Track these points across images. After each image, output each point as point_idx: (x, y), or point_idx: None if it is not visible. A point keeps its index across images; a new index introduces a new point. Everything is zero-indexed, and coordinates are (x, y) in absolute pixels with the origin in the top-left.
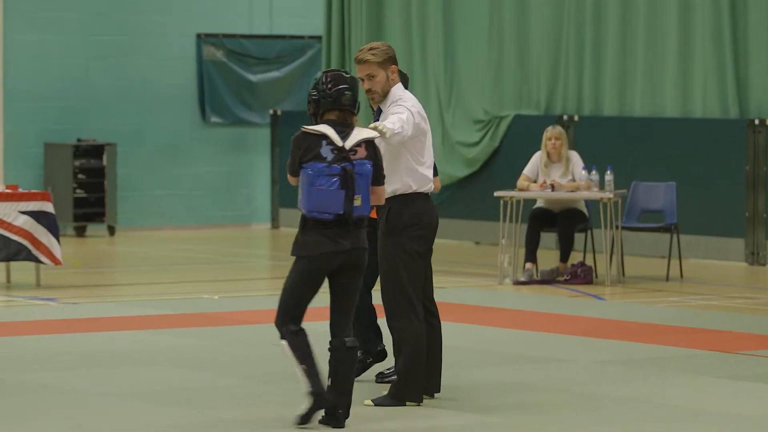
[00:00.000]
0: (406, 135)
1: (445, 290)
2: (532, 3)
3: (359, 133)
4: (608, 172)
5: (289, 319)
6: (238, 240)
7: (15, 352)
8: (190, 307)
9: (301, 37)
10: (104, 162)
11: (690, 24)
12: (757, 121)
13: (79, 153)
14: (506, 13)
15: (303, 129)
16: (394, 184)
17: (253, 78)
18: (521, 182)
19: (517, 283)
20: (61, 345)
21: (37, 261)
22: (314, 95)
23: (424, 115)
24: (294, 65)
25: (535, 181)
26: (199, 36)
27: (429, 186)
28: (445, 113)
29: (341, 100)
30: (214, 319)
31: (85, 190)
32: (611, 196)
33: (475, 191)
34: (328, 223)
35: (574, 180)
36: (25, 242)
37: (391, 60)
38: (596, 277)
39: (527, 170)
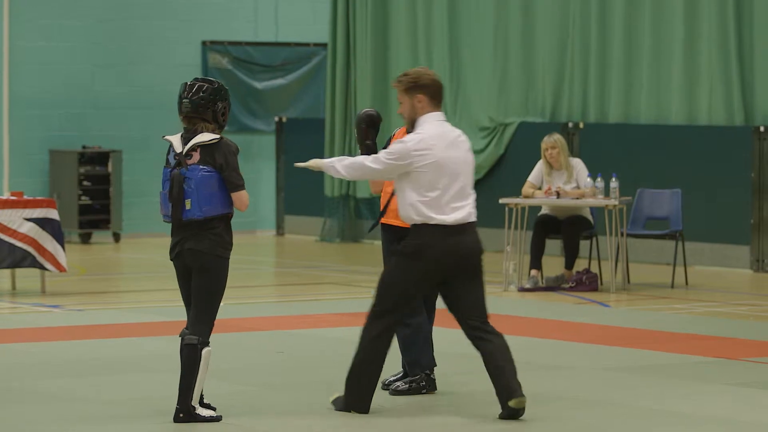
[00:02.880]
0: (348, 177)
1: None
2: (538, 10)
3: (197, 138)
4: (613, 179)
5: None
6: (243, 247)
7: (19, 359)
8: None
9: (307, 45)
10: (109, 169)
11: (695, 31)
12: (762, 129)
13: (85, 160)
14: (511, 21)
15: (164, 138)
16: (401, 213)
17: (259, 85)
18: (526, 189)
19: (522, 290)
20: (65, 352)
21: (42, 268)
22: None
23: (426, 150)
24: (299, 72)
25: (540, 188)
26: (204, 43)
27: (441, 218)
28: (451, 120)
29: (180, 108)
30: (218, 326)
31: (90, 197)
32: (616, 203)
33: (480, 198)
34: (171, 226)
35: (578, 187)
36: (31, 249)
37: (417, 88)
38: (601, 284)
39: (532, 177)
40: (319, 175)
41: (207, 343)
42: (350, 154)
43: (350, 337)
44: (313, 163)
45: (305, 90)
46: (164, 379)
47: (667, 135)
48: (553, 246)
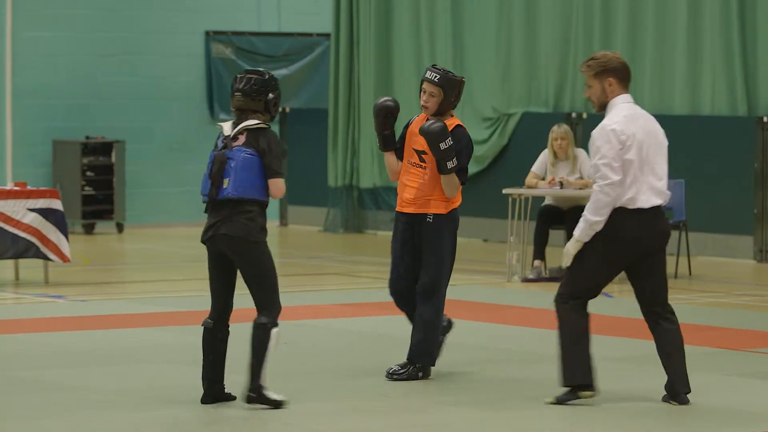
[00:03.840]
0: (604, 217)
1: (454, 288)
2: (541, 0)
3: (244, 123)
4: None
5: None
6: None
7: (23, 349)
8: (199, 305)
9: (310, 35)
10: (113, 159)
11: (699, 21)
12: (765, 119)
13: (88, 150)
14: (515, 11)
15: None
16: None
17: None
18: (530, 179)
19: (526, 280)
20: (69, 342)
21: (46, 258)
22: None
23: (628, 135)
24: (302, 62)
25: (543, 179)
26: (207, 33)
27: (640, 202)
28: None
29: (233, 100)
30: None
31: (94, 187)
32: None
33: (483, 189)
34: (207, 205)
35: (582, 178)
36: (34, 240)
37: (607, 72)
38: None
39: (536, 168)
40: (322, 165)
41: (276, 324)
42: (353, 145)
43: (354, 327)
44: (572, 249)
45: (308, 80)
46: (167, 369)
47: (670, 125)
48: (557, 236)
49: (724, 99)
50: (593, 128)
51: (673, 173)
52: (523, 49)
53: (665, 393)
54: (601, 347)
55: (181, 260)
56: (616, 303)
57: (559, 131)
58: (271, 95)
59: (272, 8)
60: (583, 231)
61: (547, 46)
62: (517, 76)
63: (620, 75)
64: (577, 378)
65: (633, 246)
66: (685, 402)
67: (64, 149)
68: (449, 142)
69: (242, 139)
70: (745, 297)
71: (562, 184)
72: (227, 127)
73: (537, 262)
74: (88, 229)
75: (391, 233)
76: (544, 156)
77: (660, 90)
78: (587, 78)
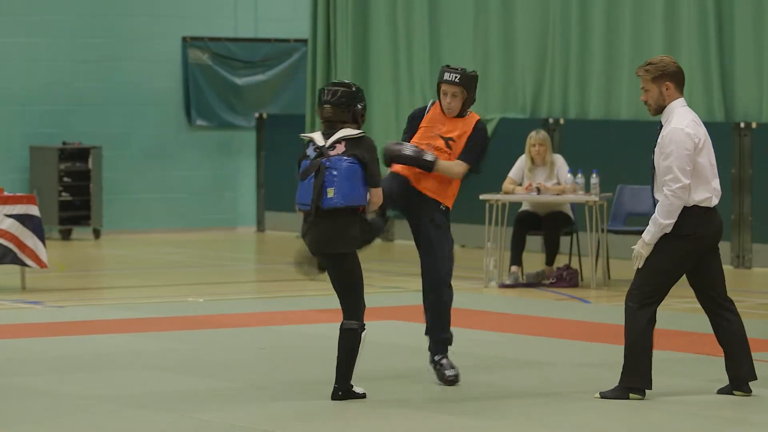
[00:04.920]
0: (673, 220)
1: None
2: (518, 6)
3: (341, 133)
4: (594, 176)
5: None
6: (224, 243)
7: (0, 356)
8: (176, 311)
9: (287, 41)
10: (90, 165)
11: (676, 27)
12: (743, 125)
13: (65, 156)
14: (492, 17)
15: (301, 135)
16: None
17: (239, 81)
18: (507, 185)
19: (503, 286)
20: (46, 348)
21: (23, 264)
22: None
23: (698, 137)
24: (279, 68)
25: (520, 184)
26: (184, 39)
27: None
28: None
29: (322, 112)
30: (199, 322)
31: (71, 193)
32: (597, 199)
33: (460, 194)
34: (308, 214)
35: (559, 183)
36: (11, 245)
37: (665, 76)
38: (582, 280)
39: (513, 173)
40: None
41: (364, 327)
42: None
43: (331, 333)
44: (644, 251)
45: (285, 86)
46: (145, 375)
47: (647, 131)
48: (534, 242)
49: (701, 104)
50: (571, 134)
51: (650, 179)
52: (501, 55)
53: (728, 384)
54: (577, 353)
55: (158, 266)
56: (593, 309)
57: (536, 137)
58: (359, 106)
59: (249, 14)
60: (653, 234)
61: (524, 52)
62: (494, 82)
63: (677, 79)
64: (638, 384)
65: (706, 242)
66: (745, 388)
67: (42, 155)
68: (408, 147)
69: (341, 148)
70: None
71: (539, 190)
72: (318, 137)
73: (514, 268)
74: (65, 235)
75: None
76: (522, 162)
77: (637, 95)
78: (644, 82)
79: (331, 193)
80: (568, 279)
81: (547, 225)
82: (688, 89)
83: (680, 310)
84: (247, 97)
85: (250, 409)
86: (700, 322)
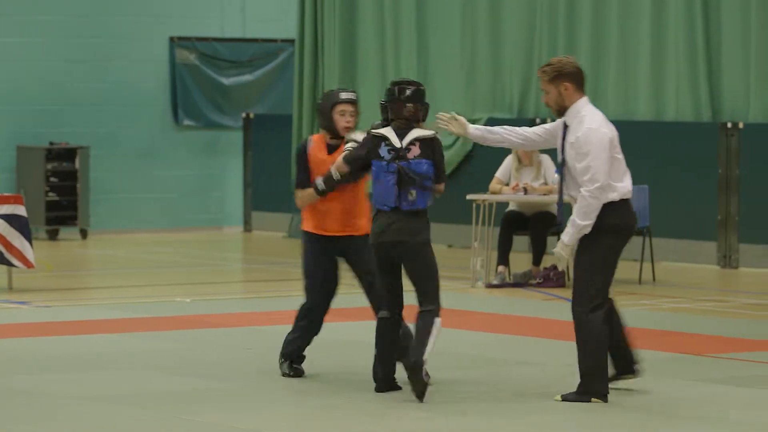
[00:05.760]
0: (592, 221)
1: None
2: (505, 5)
3: (414, 133)
4: None
5: (384, 303)
6: (211, 243)
7: None
8: (163, 311)
9: (274, 41)
10: (77, 165)
11: (663, 27)
12: (729, 125)
13: (52, 156)
14: (479, 17)
15: (371, 131)
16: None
17: (226, 81)
18: (494, 185)
19: (490, 286)
20: (33, 349)
21: (10, 264)
22: (383, 102)
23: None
24: (266, 68)
25: (507, 184)
26: (171, 39)
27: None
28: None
29: (402, 110)
30: (186, 322)
31: (58, 193)
32: None
33: (447, 194)
34: (387, 213)
35: (546, 183)
36: None
37: (563, 77)
38: (569, 280)
39: (499, 173)
40: (287, 171)
41: (438, 314)
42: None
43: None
44: (564, 253)
45: (272, 86)
46: (133, 376)
47: (634, 131)
48: (521, 242)
49: (688, 105)
50: None
51: (636, 179)
52: (488, 54)
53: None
54: (564, 353)
55: (145, 266)
56: None
57: None
58: (426, 104)
59: (236, 14)
60: (572, 236)
61: (512, 51)
62: (481, 81)
63: (576, 79)
64: (599, 391)
65: (629, 234)
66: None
67: (28, 155)
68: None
69: (415, 150)
70: (709, 303)
71: (526, 190)
72: (393, 137)
73: (501, 268)
74: (52, 235)
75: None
76: (509, 161)
77: (624, 95)
78: (543, 84)
79: (412, 195)
80: (555, 279)
81: (534, 225)
82: (675, 89)
83: (665, 311)
84: (234, 97)
85: (239, 410)
86: (685, 322)
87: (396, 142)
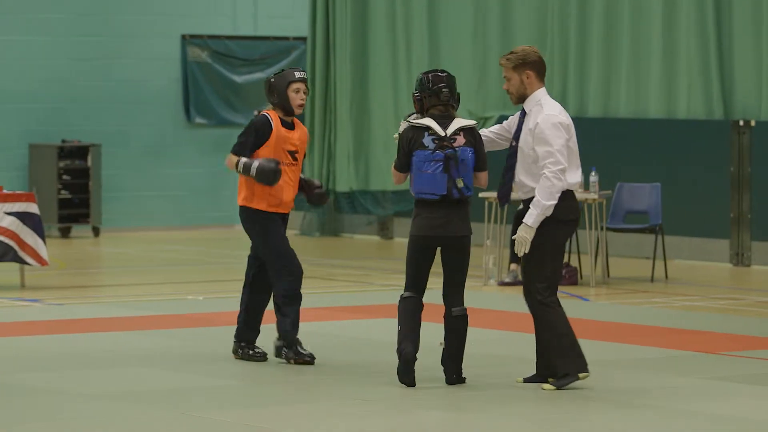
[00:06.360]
0: (555, 201)
1: (430, 291)
2: (517, 4)
3: (457, 123)
4: (593, 173)
5: (408, 285)
6: (223, 241)
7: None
8: (175, 308)
9: (286, 38)
10: (89, 163)
11: (675, 25)
12: (741, 122)
13: (64, 154)
14: (491, 15)
15: (410, 122)
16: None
17: (238, 79)
18: None
19: (502, 284)
20: (45, 346)
21: (23, 262)
22: (417, 94)
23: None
24: (278, 66)
25: None
26: (183, 37)
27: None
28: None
29: (440, 96)
30: (199, 320)
31: (70, 191)
32: (596, 197)
33: None
34: (434, 203)
35: None
36: (12, 243)
37: (526, 65)
38: (581, 278)
39: None
40: None
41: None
42: (329, 149)
43: (325, 330)
44: (528, 236)
45: None
46: (144, 373)
47: (646, 129)
48: None
49: (700, 102)
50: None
51: (649, 177)
52: (499, 52)
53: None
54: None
55: (157, 264)
56: (592, 307)
57: None
58: (458, 92)
59: (248, 12)
60: (536, 217)
61: None
62: (492, 79)
63: (538, 68)
64: (580, 366)
65: (576, 225)
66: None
67: (41, 153)
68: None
69: (460, 139)
70: (722, 300)
71: None
72: (436, 126)
73: (513, 266)
74: (64, 233)
75: (365, 236)
76: None
77: (636, 93)
78: (505, 71)
79: (460, 183)
80: (567, 276)
81: None
82: (687, 87)
83: (678, 308)
84: (246, 94)
85: (249, 407)
86: (698, 320)
87: (440, 130)
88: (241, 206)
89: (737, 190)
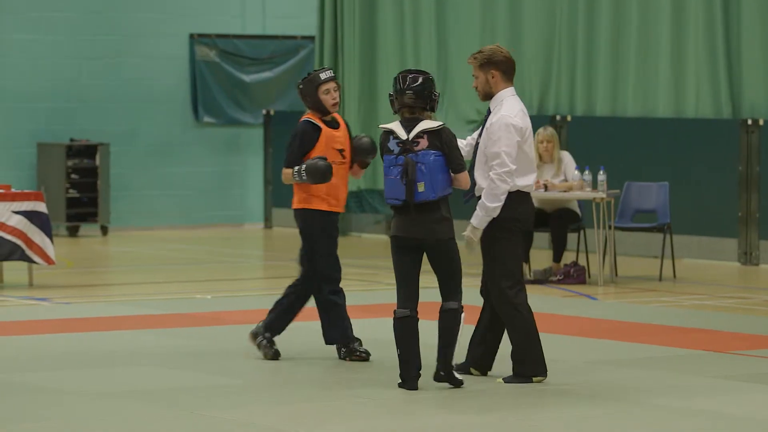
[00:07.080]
0: (500, 204)
1: (437, 290)
2: (525, 4)
3: (422, 125)
4: (601, 172)
5: (400, 298)
6: (231, 240)
7: (7, 353)
8: (183, 307)
9: (294, 38)
10: (97, 162)
11: (683, 24)
12: (750, 121)
13: (72, 153)
14: (499, 14)
15: (380, 126)
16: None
17: (246, 78)
18: None
19: None
20: (53, 345)
21: (31, 261)
22: (390, 95)
23: (525, 126)
24: (287, 65)
25: None
26: (192, 36)
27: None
28: (438, 113)
29: (403, 99)
30: (206, 319)
31: (78, 190)
32: (604, 196)
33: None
34: (398, 208)
35: (566, 180)
36: (19, 242)
37: (491, 64)
38: (589, 277)
39: None
40: None
41: (462, 309)
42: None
43: None
44: (474, 236)
45: (293, 83)
46: (152, 373)
47: (654, 128)
48: (541, 239)
49: (709, 101)
50: (578, 131)
51: (657, 176)
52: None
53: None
54: (584, 350)
55: (165, 263)
56: (600, 306)
57: (544, 134)
58: (436, 93)
59: (257, 11)
60: (481, 219)
61: (531, 49)
62: None
63: (504, 68)
64: (539, 370)
65: (527, 225)
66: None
67: (49, 152)
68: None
69: (423, 142)
70: (730, 299)
71: (546, 187)
72: (399, 130)
73: None
74: (72, 232)
75: (374, 235)
76: None
77: (644, 92)
78: (474, 69)
79: (421, 187)
80: (576, 276)
81: (554, 222)
82: (695, 86)
83: (686, 307)
84: (254, 94)
85: (257, 407)
86: (706, 319)
87: (402, 134)
88: (297, 209)
89: (745, 189)
